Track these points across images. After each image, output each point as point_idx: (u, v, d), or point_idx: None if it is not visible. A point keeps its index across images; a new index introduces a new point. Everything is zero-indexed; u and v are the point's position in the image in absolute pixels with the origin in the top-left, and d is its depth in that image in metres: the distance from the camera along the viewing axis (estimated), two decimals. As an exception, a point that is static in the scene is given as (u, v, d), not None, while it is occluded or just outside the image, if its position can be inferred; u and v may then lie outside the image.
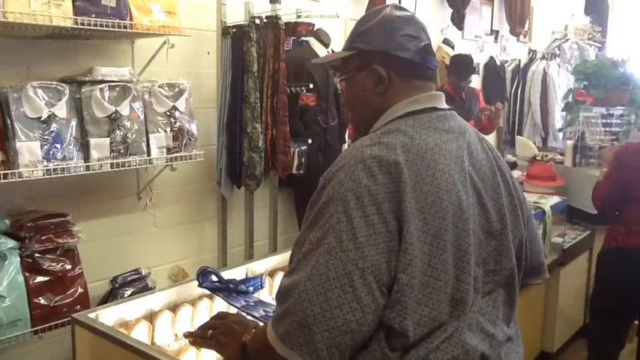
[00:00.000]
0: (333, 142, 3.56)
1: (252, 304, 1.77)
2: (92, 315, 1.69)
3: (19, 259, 2.17)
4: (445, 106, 1.33)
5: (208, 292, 1.90)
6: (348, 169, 1.16)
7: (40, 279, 2.22)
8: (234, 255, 3.33)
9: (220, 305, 1.90)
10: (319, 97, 3.40)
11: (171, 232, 3.06)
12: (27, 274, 2.19)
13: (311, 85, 3.33)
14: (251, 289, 1.86)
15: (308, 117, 3.37)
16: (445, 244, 1.16)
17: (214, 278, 1.84)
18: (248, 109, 2.98)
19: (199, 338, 1.46)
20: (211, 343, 1.43)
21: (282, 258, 2.28)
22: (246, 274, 2.08)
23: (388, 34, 1.28)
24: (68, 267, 2.31)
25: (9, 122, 2.10)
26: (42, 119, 2.15)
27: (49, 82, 2.19)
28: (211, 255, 3.29)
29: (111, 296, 2.66)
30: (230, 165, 3.05)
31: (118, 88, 2.38)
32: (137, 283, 2.74)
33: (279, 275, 2.20)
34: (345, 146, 3.82)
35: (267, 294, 2.09)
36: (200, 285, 1.85)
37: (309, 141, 3.31)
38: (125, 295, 2.64)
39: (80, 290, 2.34)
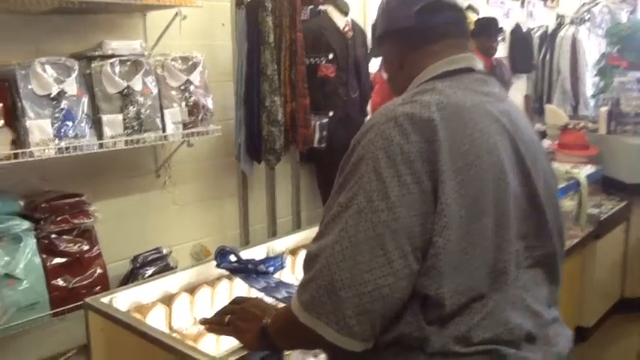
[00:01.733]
0: (354, 115, 3.45)
1: (273, 285, 1.69)
2: (106, 299, 1.62)
3: (34, 240, 2.12)
4: (482, 68, 1.24)
5: (227, 272, 1.82)
6: (379, 128, 1.07)
7: (57, 260, 2.17)
8: (256, 232, 3.27)
9: (240, 286, 1.82)
10: (339, 68, 3.28)
11: (191, 210, 3.00)
12: (44, 256, 2.14)
13: (330, 56, 3.22)
14: (271, 269, 1.77)
15: (328, 89, 3.26)
16: (485, 208, 1.06)
17: (233, 258, 1.76)
18: (266, 82, 2.88)
19: (216, 325, 1.38)
20: (229, 329, 1.34)
21: (306, 235, 2.19)
22: (267, 254, 1.99)
23: (385, 13, 1.28)
24: (86, 248, 2.26)
25: (18, 100, 2.03)
26: (51, 96, 2.08)
27: (57, 58, 2.12)
28: (233, 232, 3.22)
29: (131, 276, 2.62)
30: (249, 140, 2.96)
31: (129, 63, 2.30)
32: (158, 263, 2.69)
33: (302, 253, 2.11)
34: (367, 118, 3.70)
35: (290, 274, 2.00)
36: (218, 265, 1.77)
37: (330, 113, 3.20)
38: (146, 275, 2.59)
39: (99, 271, 2.29)
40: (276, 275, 1.80)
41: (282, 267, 1.82)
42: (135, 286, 1.73)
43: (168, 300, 1.72)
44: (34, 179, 2.30)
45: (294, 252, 2.09)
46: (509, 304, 1.09)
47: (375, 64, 3.65)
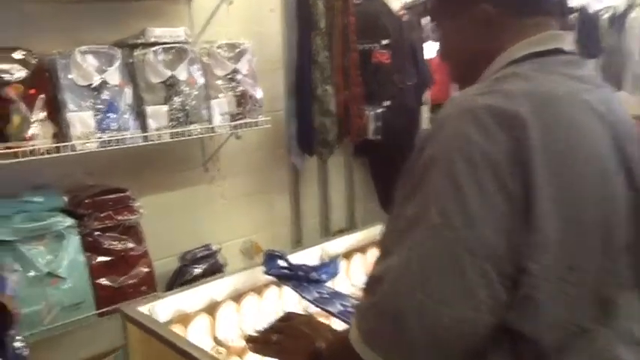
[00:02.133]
0: (410, 104, 3.25)
1: (327, 296, 1.52)
2: (145, 308, 1.50)
3: (78, 238, 2.04)
4: (572, 48, 1.02)
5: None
6: (453, 123, 0.88)
7: (101, 259, 2.09)
8: (308, 228, 3.13)
9: (290, 294, 1.67)
10: (394, 54, 3.09)
11: (240, 205, 2.88)
12: (88, 254, 2.06)
13: (385, 41, 3.04)
14: (324, 277, 1.61)
15: (382, 76, 3.07)
16: (589, 223, 0.86)
17: (282, 263, 1.61)
18: (317, 70, 2.73)
19: (262, 344, 1.22)
20: (276, 349, 1.18)
21: (362, 237, 2.03)
22: (320, 258, 1.83)
23: None
24: (131, 245, 2.17)
25: (58, 91, 1.95)
26: (93, 87, 1.99)
27: (98, 47, 2.02)
28: (284, 228, 3.10)
29: (180, 274, 2.53)
30: (300, 131, 2.82)
31: (173, 51, 2.19)
32: (207, 260, 2.60)
33: (357, 257, 1.94)
34: (425, 108, 3.50)
35: (344, 281, 1.83)
36: (267, 272, 1.62)
37: (386, 103, 3.02)
38: (194, 273, 2.50)
39: (145, 270, 2.20)
40: (330, 283, 1.64)
41: (335, 274, 1.66)
42: (177, 293, 1.61)
43: (212, 308, 1.59)
44: (78, 173, 2.22)
45: (348, 255, 1.92)
46: (618, 340, 0.89)
47: (432, 49, 3.44)
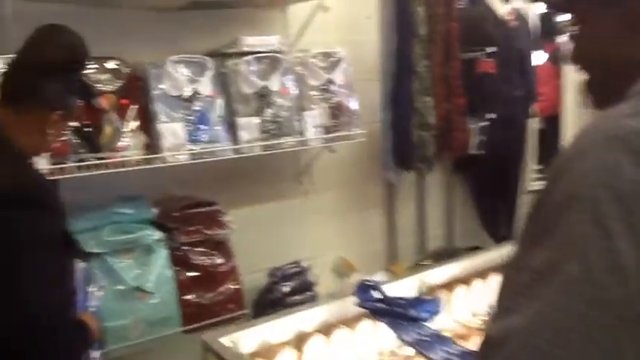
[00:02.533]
0: (517, 117, 3.01)
1: (427, 338, 1.35)
2: (227, 339, 1.38)
3: (166, 252, 1.99)
4: None
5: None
6: (597, 153, 0.65)
7: (189, 274, 2.03)
8: (403, 247, 2.96)
9: (385, 330, 1.50)
10: (500, 63, 2.87)
11: (333, 220, 2.76)
12: (176, 269, 2.01)
13: (490, 49, 2.82)
14: (424, 315, 1.43)
15: (487, 87, 2.85)
16: None
17: (376, 294, 1.45)
18: (416, 80, 2.57)
19: None
20: None
21: (465, 266, 1.83)
22: (418, 290, 1.65)
23: None
24: (219, 261, 2.10)
25: (150, 102, 1.91)
26: (184, 97, 1.94)
27: (190, 56, 1.98)
28: (378, 246, 2.94)
29: (269, 291, 2.43)
30: (397, 145, 2.66)
31: (266, 60, 2.11)
32: (297, 277, 2.49)
33: (461, 290, 1.74)
34: (531, 122, 3.23)
35: (445, 317, 1.64)
36: (360, 304, 1.47)
37: (490, 115, 2.80)
38: (283, 291, 2.40)
39: (233, 287, 2.12)
40: (430, 323, 1.45)
41: (437, 312, 1.47)
42: (263, 323, 1.49)
43: (300, 341, 1.45)
44: (168, 184, 2.18)
45: (450, 287, 1.72)
46: None
47: (539, 58, 3.18)
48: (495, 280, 1.83)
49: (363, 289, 1.46)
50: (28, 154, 1.35)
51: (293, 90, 2.19)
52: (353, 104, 2.36)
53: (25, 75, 1.31)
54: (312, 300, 2.45)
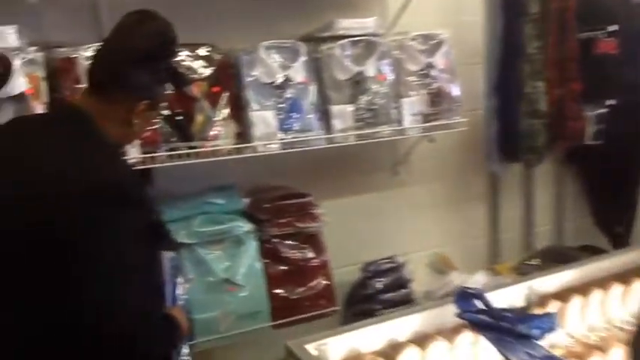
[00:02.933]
0: (641, 103, 2.70)
1: None
2: (313, 346, 1.29)
3: (256, 244, 1.94)
4: None
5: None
6: None
7: (279, 267, 1.97)
8: (506, 243, 2.77)
9: (489, 346, 1.34)
10: (623, 42, 2.57)
11: (430, 213, 2.61)
12: (265, 262, 1.95)
13: (611, 28, 2.53)
14: (536, 332, 1.26)
15: (608, 70, 2.56)
16: None
17: (479, 304, 1.30)
18: (526, 64, 2.36)
19: None
20: None
21: (581, 274, 1.61)
22: (526, 299, 1.47)
23: None
24: (310, 255, 2.02)
25: (242, 89, 1.86)
26: (276, 84, 1.87)
27: (283, 42, 1.90)
28: (479, 241, 2.77)
29: (362, 287, 2.34)
30: (502, 135, 2.46)
31: (361, 44, 2.00)
32: (392, 273, 2.38)
33: (577, 301, 1.53)
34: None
35: (558, 331, 1.45)
36: (460, 315, 1.33)
37: (609, 101, 2.52)
38: (377, 287, 2.30)
39: (324, 282, 2.04)
40: (543, 342, 1.28)
41: (551, 330, 1.30)
42: (352, 330, 1.38)
43: (392, 350, 1.33)
44: (259, 174, 2.13)
45: (563, 297, 1.53)
46: None
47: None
48: (619, 291, 1.62)
49: (464, 298, 1.31)
50: (115, 144, 1.31)
51: (390, 75, 2.06)
52: (454, 90, 2.19)
53: (112, 63, 1.27)
54: (407, 298, 2.33)
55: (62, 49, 1.66)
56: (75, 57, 1.64)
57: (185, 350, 1.55)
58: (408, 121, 2.11)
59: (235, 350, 2.07)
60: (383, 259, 2.38)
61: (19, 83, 1.56)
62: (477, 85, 2.49)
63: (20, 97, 1.57)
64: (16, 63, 1.55)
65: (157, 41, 1.28)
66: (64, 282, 1.13)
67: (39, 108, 1.58)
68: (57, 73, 1.66)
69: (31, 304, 1.16)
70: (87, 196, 1.13)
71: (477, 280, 2.41)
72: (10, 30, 1.56)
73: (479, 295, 1.30)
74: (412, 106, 2.12)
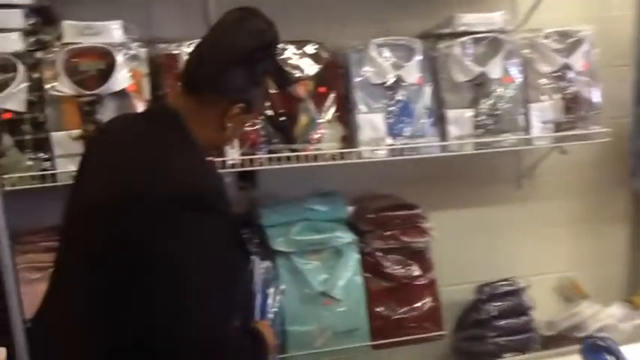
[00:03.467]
0: None
1: None
2: None
3: (357, 257, 1.80)
4: None
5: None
6: None
7: (381, 284, 1.83)
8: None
9: None
10: None
11: (558, 233, 2.34)
12: (366, 275, 1.81)
13: None
14: None
15: None
16: None
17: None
18: (685, 66, 2.01)
19: None
20: None
21: None
22: None
23: None
24: (417, 273, 1.86)
25: (350, 90, 1.73)
26: (387, 85, 1.73)
27: (396, 39, 1.75)
28: (617, 269, 2.45)
29: (474, 310, 2.13)
30: (651, 148, 2.13)
31: (485, 42, 1.80)
32: (510, 298, 2.14)
33: None
34: None
35: None
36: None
37: None
38: (491, 312, 2.08)
39: (431, 303, 1.86)
40: None
41: None
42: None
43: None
44: (366, 181, 1.99)
45: None
46: None
47: None
48: None
49: (592, 350, 1.09)
50: (205, 147, 1.24)
51: (518, 77, 1.84)
52: (595, 96, 1.92)
53: (207, 62, 1.19)
54: (526, 327, 2.10)
55: (165, 45, 1.62)
56: (178, 53, 1.60)
57: (274, 368, 1.46)
58: (537, 129, 1.87)
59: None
60: (500, 280, 2.15)
61: (121, 79, 1.54)
62: (624, 90, 2.18)
63: (122, 94, 1.56)
64: (119, 59, 1.53)
65: (257, 41, 1.20)
66: (142, 289, 1.07)
67: (141, 105, 1.56)
68: (160, 69, 1.63)
69: (108, 310, 1.11)
70: (170, 202, 1.07)
71: (612, 313, 2.12)
72: (115, 25, 1.55)
73: (610, 349, 1.07)
74: (543, 112, 1.88)
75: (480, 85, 1.78)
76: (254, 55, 1.19)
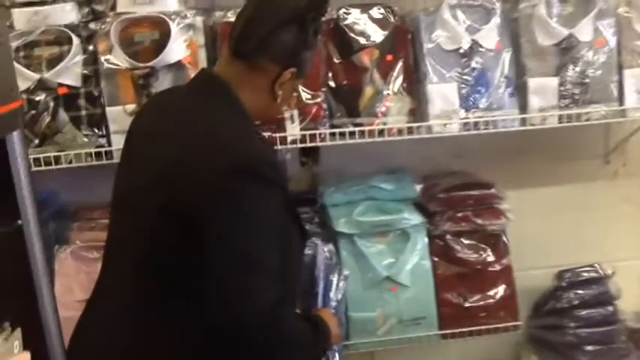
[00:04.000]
0: None
1: None
2: None
3: (426, 240, 1.68)
4: None
5: None
6: None
7: (451, 269, 1.70)
8: None
9: None
10: None
11: (651, 215, 2.12)
12: (435, 260, 1.68)
13: None
14: None
15: None
16: None
17: None
18: None
19: None
20: None
21: None
22: None
23: None
24: (490, 258, 1.73)
25: (420, 58, 1.58)
26: (461, 52, 1.57)
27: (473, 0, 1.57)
28: None
29: (552, 298, 1.97)
30: None
31: (574, 1, 1.60)
32: (593, 286, 1.98)
33: None
34: None
35: None
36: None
37: None
38: (572, 302, 1.92)
39: (505, 292, 1.74)
40: None
41: None
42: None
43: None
44: (439, 156, 1.86)
45: None
46: None
47: None
48: None
49: None
50: (255, 117, 1.15)
51: (611, 40, 1.64)
52: (703, 61, 1.69)
53: (256, 25, 1.10)
54: (611, 318, 1.92)
55: (222, 13, 1.52)
56: (236, 21, 1.49)
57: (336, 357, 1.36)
58: (631, 99, 1.67)
59: (398, 355, 1.85)
60: (583, 266, 1.98)
61: (176, 50, 1.46)
62: None
63: (178, 66, 1.48)
64: (174, 28, 1.45)
65: (307, 1, 1.10)
66: (196, 265, 1.02)
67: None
68: (217, 39, 1.54)
69: (163, 287, 1.07)
70: (221, 175, 1.00)
71: None
72: (170, -8, 1.46)
73: None
74: (638, 79, 1.67)
75: (566, 50, 1.59)
76: (305, 15, 1.10)
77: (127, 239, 1.13)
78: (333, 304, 1.40)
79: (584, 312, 1.90)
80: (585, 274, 1.97)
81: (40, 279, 0.81)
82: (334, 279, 1.44)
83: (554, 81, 1.60)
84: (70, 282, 1.58)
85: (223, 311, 1.01)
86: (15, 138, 0.77)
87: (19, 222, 0.76)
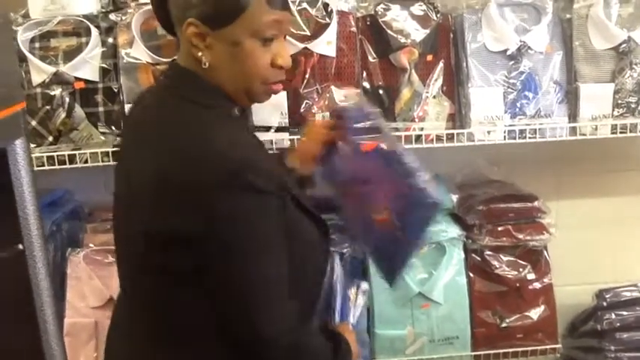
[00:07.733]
0: None
1: None
2: None
3: (462, 254, 1.56)
4: None
5: None
6: None
7: (488, 286, 1.58)
8: None
9: None
10: None
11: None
12: (471, 276, 1.57)
13: None
14: None
15: None
16: None
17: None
18: None
19: None
20: None
21: None
22: None
23: None
24: (530, 276, 1.60)
25: (463, 59, 1.46)
26: (508, 54, 1.44)
27: (524, -2, 1.45)
28: None
29: (592, 318, 1.84)
30: None
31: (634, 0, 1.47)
32: (636, 308, 1.82)
33: None
34: None
35: None
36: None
37: None
38: (614, 324, 1.78)
39: (545, 311, 1.61)
40: None
41: None
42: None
43: None
44: (479, 164, 1.74)
45: None
46: None
47: None
48: None
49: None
50: (237, 99, 1.01)
51: (674, 44, 1.50)
52: None
53: None
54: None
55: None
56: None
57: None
58: (693, 109, 1.53)
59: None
60: (625, 285, 1.84)
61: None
62: None
63: (201, 61, 1.37)
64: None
65: None
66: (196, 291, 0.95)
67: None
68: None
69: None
70: (199, 194, 0.88)
71: None
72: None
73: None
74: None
75: (624, 54, 1.46)
76: None
77: (121, 260, 1.08)
78: (351, 319, 1.30)
79: (625, 336, 1.77)
80: (627, 294, 1.83)
81: (45, 308, 0.70)
82: (352, 293, 1.35)
83: (609, 88, 1.47)
84: (83, 287, 1.50)
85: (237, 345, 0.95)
86: (17, 147, 0.65)
87: (20, 246, 0.64)
